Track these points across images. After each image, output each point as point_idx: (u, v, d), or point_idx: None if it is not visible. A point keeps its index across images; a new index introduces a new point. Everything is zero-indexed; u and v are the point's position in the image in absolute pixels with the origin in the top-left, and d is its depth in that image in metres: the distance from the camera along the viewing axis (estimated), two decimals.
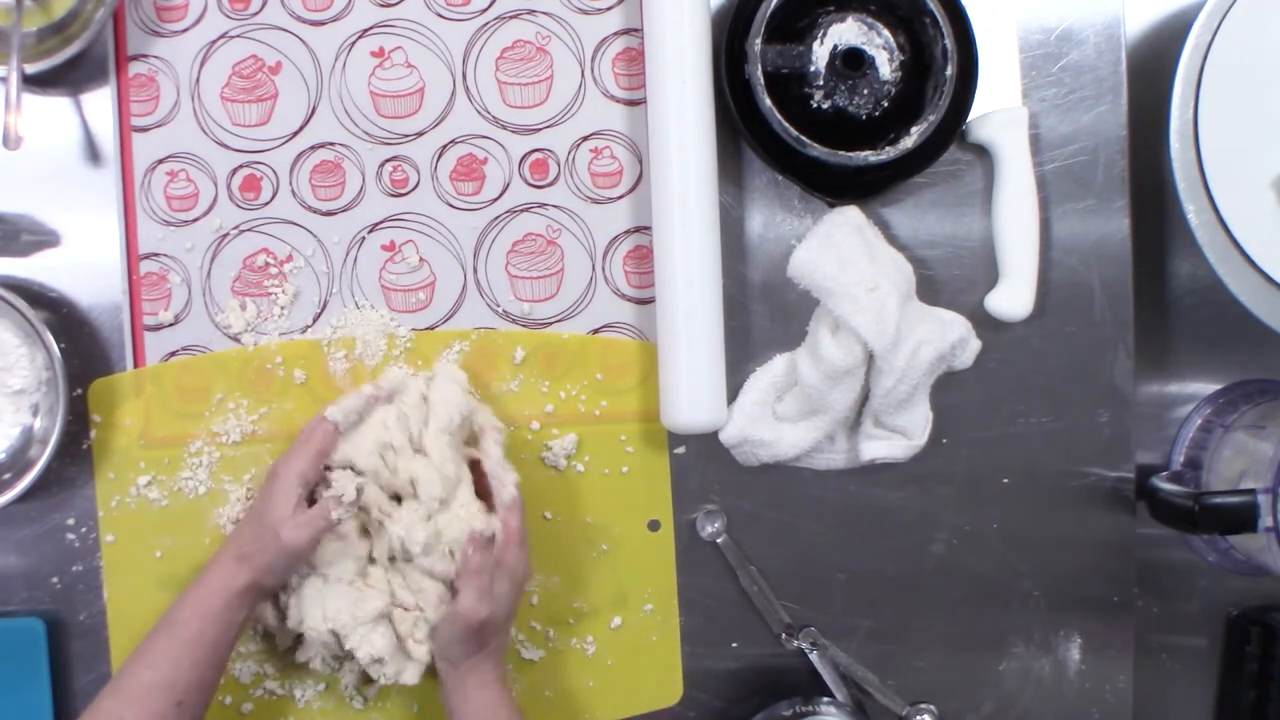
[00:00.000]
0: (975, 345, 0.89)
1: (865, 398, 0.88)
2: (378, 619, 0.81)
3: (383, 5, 0.87)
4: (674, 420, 0.85)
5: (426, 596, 0.82)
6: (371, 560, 0.83)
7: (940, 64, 0.84)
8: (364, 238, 0.88)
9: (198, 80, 0.86)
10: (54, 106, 0.86)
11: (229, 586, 0.78)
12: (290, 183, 0.87)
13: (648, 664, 0.90)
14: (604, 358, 0.89)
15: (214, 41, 0.86)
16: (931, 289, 0.90)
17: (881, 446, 0.88)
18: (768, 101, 0.84)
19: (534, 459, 0.89)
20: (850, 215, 0.88)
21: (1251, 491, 0.83)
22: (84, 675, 0.86)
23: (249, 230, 0.87)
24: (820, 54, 0.85)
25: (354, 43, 0.87)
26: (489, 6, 0.88)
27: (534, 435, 0.88)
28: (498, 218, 0.88)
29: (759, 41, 0.84)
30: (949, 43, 0.84)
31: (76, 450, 0.86)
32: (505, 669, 0.83)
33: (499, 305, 0.89)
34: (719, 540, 0.90)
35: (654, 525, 0.90)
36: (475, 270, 0.88)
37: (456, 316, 0.88)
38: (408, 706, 0.88)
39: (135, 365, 0.86)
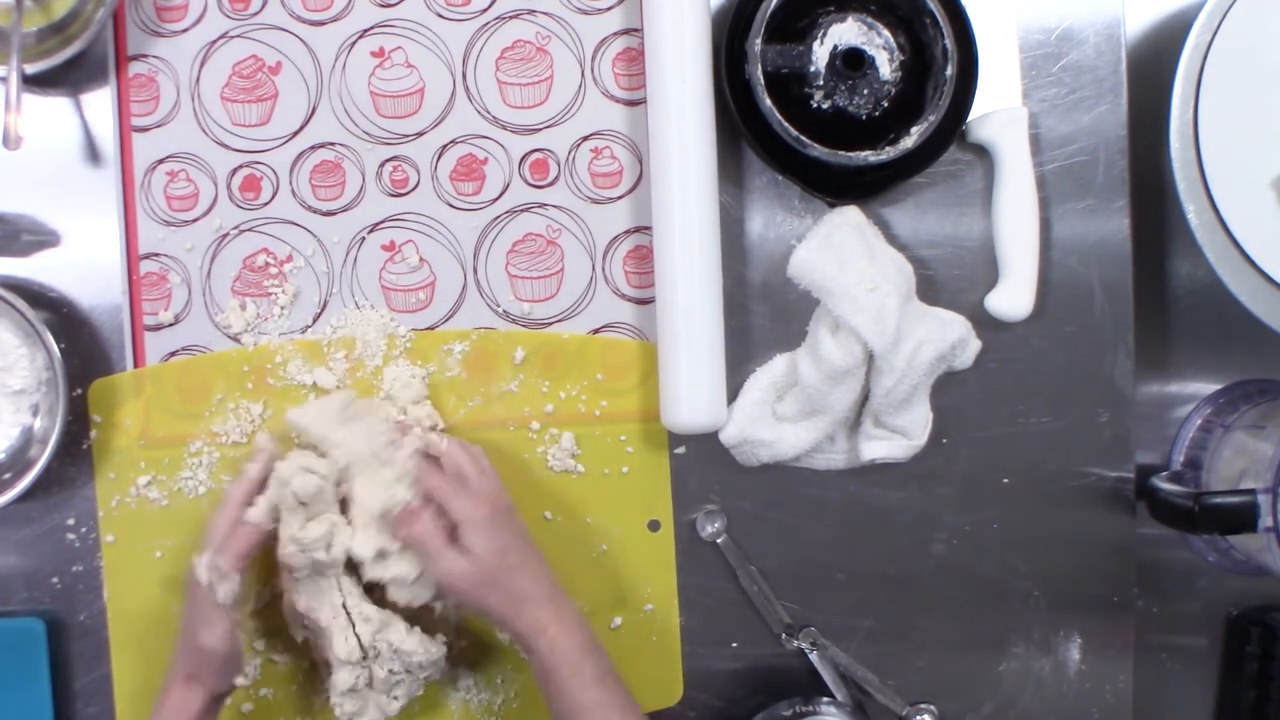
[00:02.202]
0: (975, 345, 0.89)
1: (865, 398, 0.88)
2: (347, 661, 0.80)
3: (383, 5, 0.87)
4: (674, 420, 0.85)
5: (412, 656, 0.81)
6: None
7: (940, 64, 0.84)
8: (364, 238, 0.88)
9: (198, 80, 0.87)
10: (54, 106, 0.86)
11: (187, 709, 0.77)
12: (290, 183, 0.87)
13: (648, 664, 0.90)
14: (604, 358, 0.89)
15: (214, 41, 0.87)
16: (931, 289, 0.90)
17: (881, 446, 0.88)
18: (768, 101, 0.84)
19: (534, 459, 0.89)
20: (850, 215, 0.88)
21: (1251, 491, 0.83)
22: (84, 675, 0.86)
23: (249, 230, 0.87)
24: (820, 54, 0.85)
25: (354, 43, 0.87)
26: (489, 6, 0.88)
27: (534, 435, 0.88)
28: (498, 218, 0.88)
29: (759, 41, 0.84)
30: (949, 43, 0.84)
31: (76, 450, 0.86)
32: (568, 614, 0.78)
33: (499, 305, 0.89)
34: (719, 540, 0.90)
35: (654, 525, 0.90)
36: (475, 270, 0.88)
37: (456, 316, 0.88)
38: (408, 708, 0.88)
39: (135, 365, 0.86)
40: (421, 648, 0.81)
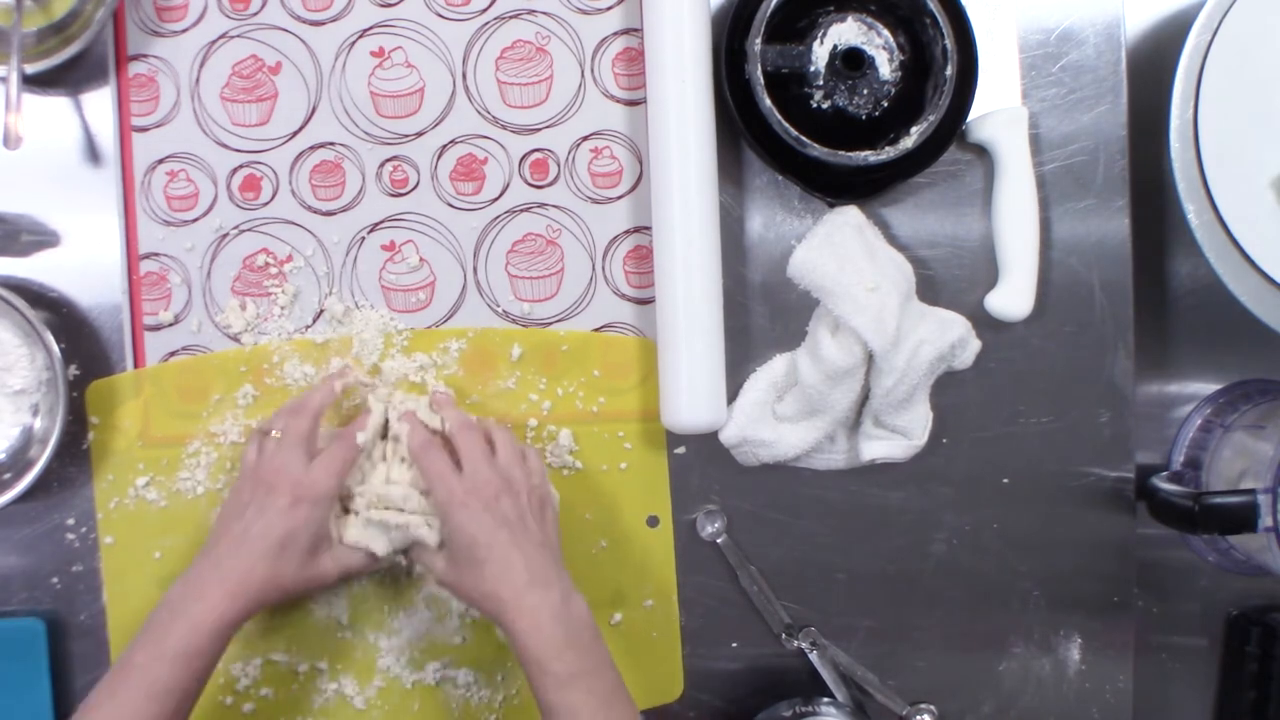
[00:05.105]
0: (975, 345, 0.89)
1: (865, 398, 0.88)
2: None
3: (383, 5, 0.87)
4: (674, 420, 0.85)
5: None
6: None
7: (940, 64, 0.84)
8: (364, 238, 0.88)
9: (198, 80, 0.87)
10: (54, 106, 0.86)
11: (221, 621, 0.74)
12: (290, 183, 0.87)
13: (649, 660, 0.90)
14: (603, 355, 0.89)
15: (214, 41, 0.87)
16: (931, 289, 0.90)
17: (881, 446, 0.88)
18: (768, 101, 0.84)
19: None
20: (850, 215, 0.88)
21: (1251, 491, 0.83)
22: (84, 675, 0.86)
23: (249, 230, 0.87)
24: (820, 54, 0.85)
25: (354, 43, 0.87)
26: (489, 6, 0.88)
27: (532, 432, 0.88)
28: (498, 218, 0.88)
29: (759, 41, 0.84)
30: (949, 43, 0.84)
31: (76, 450, 0.86)
32: (542, 611, 0.75)
33: (499, 305, 0.89)
34: (719, 540, 0.90)
35: (653, 521, 0.90)
36: (475, 270, 0.88)
37: (456, 316, 0.88)
38: (408, 706, 0.88)
39: (135, 365, 0.86)
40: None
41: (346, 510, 0.83)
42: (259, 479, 0.79)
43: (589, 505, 0.89)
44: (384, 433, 0.84)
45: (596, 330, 0.89)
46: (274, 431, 0.81)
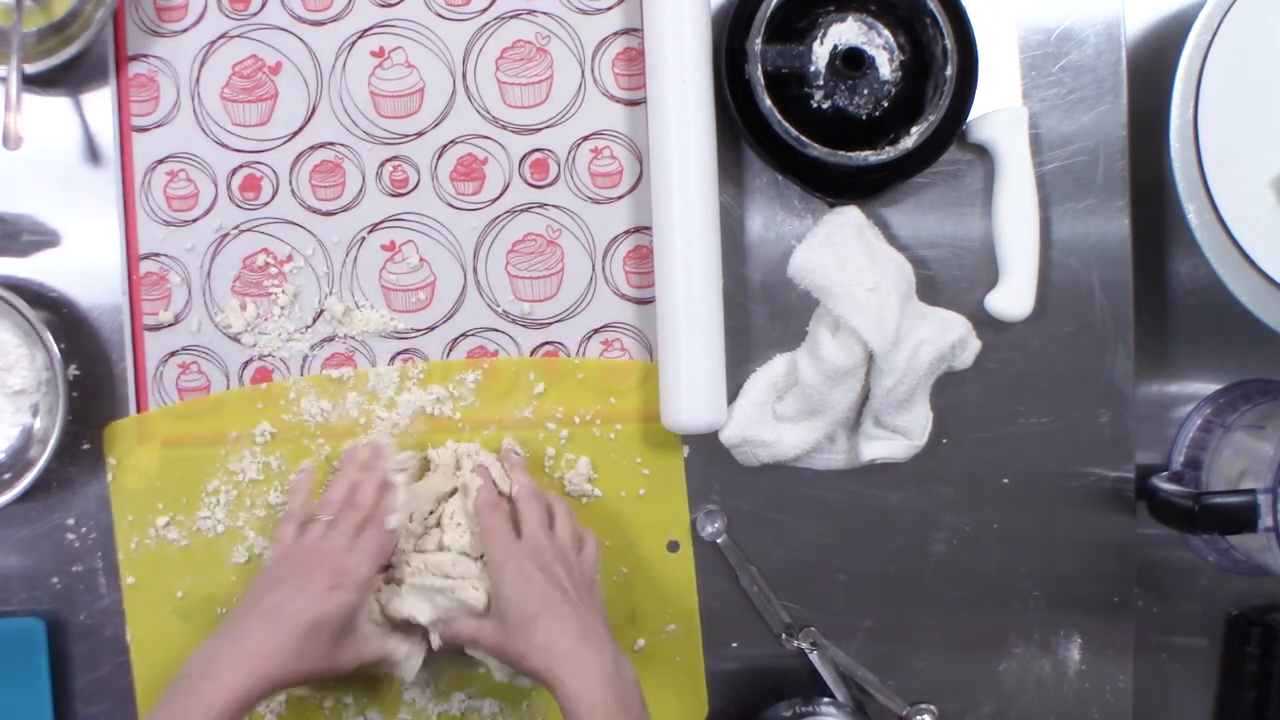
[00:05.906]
0: (975, 345, 0.89)
1: (865, 398, 0.88)
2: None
3: (383, 5, 0.87)
4: (674, 420, 0.85)
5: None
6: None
7: (940, 64, 0.84)
8: (364, 238, 0.88)
9: (198, 80, 0.87)
10: (54, 106, 0.86)
11: (238, 701, 0.71)
12: (290, 183, 0.87)
13: (672, 684, 0.89)
14: (618, 381, 0.88)
15: (214, 41, 0.87)
16: (931, 289, 0.90)
17: (882, 446, 0.88)
18: (768, 101, 0.84)
19: (551, 485, 0.88)
20: (850, 215, 0.88)
21: (1251, 491, 0.83)
22: (84, 675, 0.86)
23: (249, 230, 0.87)
24: (820, 54, 0.85)
25: (354, 43, 0.87)
26: (489, 6, 0.88)
27: (550, 461, 0.88)
28: (498, 218, 0.88)
29: (759, 41, 0.84)
30: (949, 43, 0.84)
31: (76, 450, 0.86)
32: (592, 669, 0.73)
33: (499, 305, 0.89)
34: (719, 540, 0.90)
35: (673, 546, 0.89)
36: (475, 270, 0.88)
37: (456, 316, 0.88)
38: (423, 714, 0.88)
39: (135, 365, 0.86)
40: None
41: (389, 581, 0.83)
42: (299, 559, 0.78)
43: (609, 533, 0.88)
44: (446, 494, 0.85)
45: (597, 330, 0.89)
46: (323, 516, 0.81)
